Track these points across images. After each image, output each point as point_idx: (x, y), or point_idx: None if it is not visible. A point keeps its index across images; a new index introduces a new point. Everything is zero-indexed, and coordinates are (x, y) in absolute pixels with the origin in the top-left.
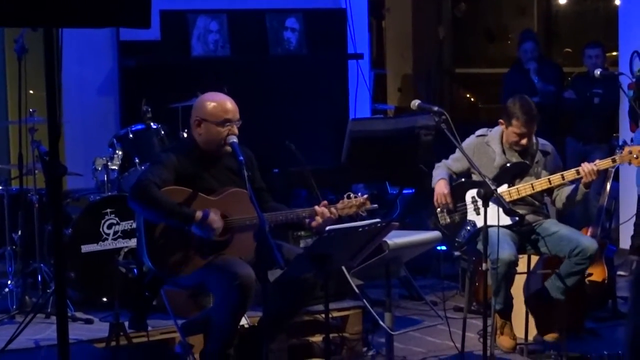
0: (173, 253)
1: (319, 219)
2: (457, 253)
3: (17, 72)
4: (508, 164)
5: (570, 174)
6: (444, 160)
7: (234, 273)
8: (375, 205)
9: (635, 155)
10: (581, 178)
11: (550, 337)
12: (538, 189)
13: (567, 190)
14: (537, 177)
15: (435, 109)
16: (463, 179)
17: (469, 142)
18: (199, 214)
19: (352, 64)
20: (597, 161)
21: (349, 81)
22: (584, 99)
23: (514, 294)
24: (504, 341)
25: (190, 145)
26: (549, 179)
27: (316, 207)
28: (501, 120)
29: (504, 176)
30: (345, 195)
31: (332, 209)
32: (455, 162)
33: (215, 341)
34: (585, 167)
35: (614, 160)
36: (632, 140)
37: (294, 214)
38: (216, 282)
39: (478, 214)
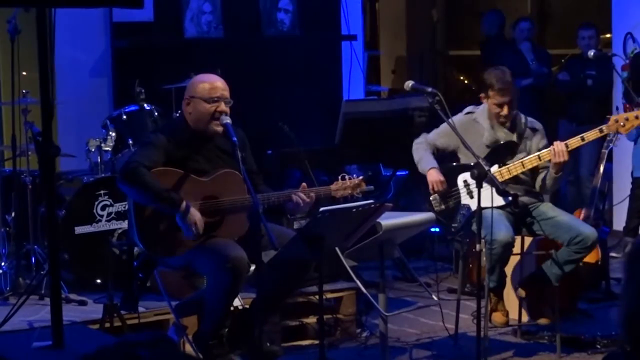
0: (164, 234)
1: (301, 201)
2: (450, 237)
3: (9, 53)
4: (497, 144)
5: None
6: (424, 135)
7: (225, 255)
8: (371, 187)
9: (622, 123)
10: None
11: (542, 320)
12: (528, 166)
13: (544, 172)
14: (528, 154)
15: (429, 89)
16: (454, 164)
17: (457, 119)
18: (183, 205)
19: (345, 45)
20: (585, 133)
21: (343, 62)
22: (578, 81)
23: (507, 274)
24: (497, 317)
25: (181, 125)
26: (538, 155)
27: (292, 195)
28: (482, 95)
29: (494, 156)
30: (340, 177)
31: (312, 195)
32: (440, 137)
33: (207, 322)
34: (556, 146)
35: (601, 131)
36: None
37: (286, 195)
38: (207, 264)
39: (471, 197)
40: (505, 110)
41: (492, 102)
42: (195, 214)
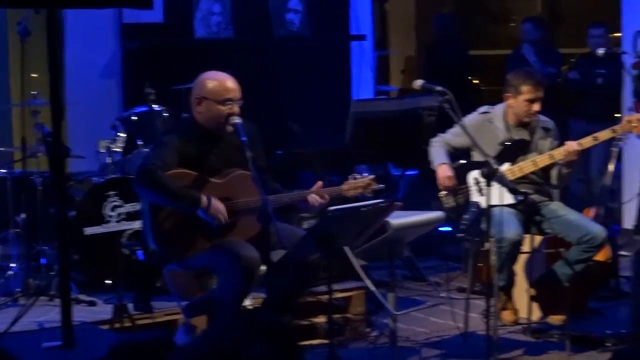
0: (179, 236)
1: (314, 200)
2: (459, 235)
3: (19, 55)
4: (507, 142)
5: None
6: (441, 135)
7: (238, 255)
8: (382, 185)
9: (634, 124)
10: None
11: (556, 319)
12: (541, 164)
13: (557, 168)
14: (539, 153)
15: (438, 88)
16: (464, 161)
17: (472, 119)
18: (204, 200)
19: (355, 45)
20: (598, 133)
21: (352, 62)
22: (588, 79)
23: (517, 272)
24: (507, 315)
25: (191, 125)
26: (550, 154)
27: (308, 197)
28: (508, 94)
29: (505, 154)
30: (350, 176)
31: (326, 196)
32: (455, 137)
33: (218, 322)
34: (570, 146)
35: (613, 131)
36: None
37: (299, 195)
38: (220, 264)
39: (482, 194)
40: (536, 107)
41: (525, 98)
42: (217, 203)
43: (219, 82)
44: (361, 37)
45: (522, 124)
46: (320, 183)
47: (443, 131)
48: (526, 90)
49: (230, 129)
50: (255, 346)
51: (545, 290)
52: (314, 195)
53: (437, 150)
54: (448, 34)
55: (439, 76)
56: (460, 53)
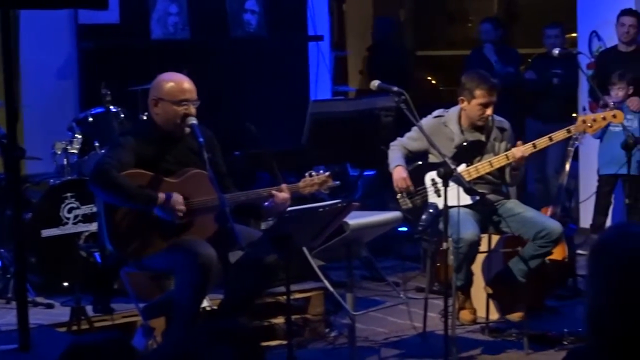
0: (135, 236)
1: (278, 195)
2: (417, 235)
3: None
4: (464, 143)
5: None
6: (399, 139)
7: (195, 253)
8: (338, 182)
9: (589, 124)
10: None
11: (514, 316)
12: (496, 165)
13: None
14: (495, 154)
15: (395, 89)
16: (420, 162)
17: (426, 123)
18: (161, 196)
19: (312, 45)
20: (553, 134)
21: (310, 63)
22: (544, 79)
23: (475, 272)
24: (465, 315)
25: (149, 127)
26: (506, 155)
27: (274, 192)
28: (462, 98)
29: (462, 155)
30: (307, 174)
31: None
32: (412, 141)
33: (178, 322)
34: (520, 151)
35: (568, 131)
36: None
37: (255, 193)
38: (178, 262)
39: (439, 196)
40: (489, 111)
41: (478, 102)
42: (177, 197)
43: (175, 83)
44: (319, 38)
45: (475, 127)
46: (284, 186)
47: (400, 131)
48: (480, 95)
49: (188, 130)
50: (217, 349)
51: (502, 288)
52: (278, 193)
53: (394, 154)
54: (388, 36)
55: (380, 78)
56: (401, 54)
